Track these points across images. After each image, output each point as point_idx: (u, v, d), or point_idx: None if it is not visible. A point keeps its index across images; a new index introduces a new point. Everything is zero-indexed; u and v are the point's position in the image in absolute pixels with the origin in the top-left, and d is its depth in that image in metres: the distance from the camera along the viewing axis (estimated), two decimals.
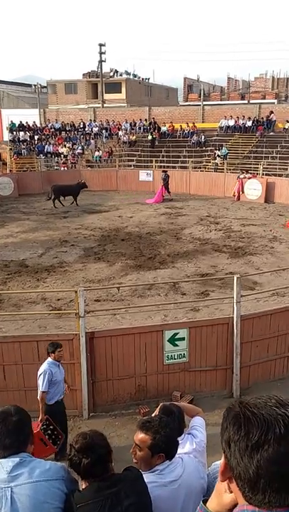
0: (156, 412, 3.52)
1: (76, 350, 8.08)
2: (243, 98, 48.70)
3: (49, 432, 6.38)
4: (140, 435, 2.95)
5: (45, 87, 51.55)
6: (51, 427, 6.50)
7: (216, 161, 31.07)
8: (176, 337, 8.42)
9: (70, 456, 2.66)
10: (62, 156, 34.65)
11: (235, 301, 8.49)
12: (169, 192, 27.66)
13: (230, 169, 29.33)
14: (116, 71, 50.65)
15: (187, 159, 31.73)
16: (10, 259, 16.36)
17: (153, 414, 3.48)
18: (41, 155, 35.02)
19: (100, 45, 45.18)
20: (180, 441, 3.29)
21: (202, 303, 11.78)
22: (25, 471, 2.49)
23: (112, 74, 50.30)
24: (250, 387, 8.83)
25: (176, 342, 8.45)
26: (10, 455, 2.53)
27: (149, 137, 35.57)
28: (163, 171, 28.38)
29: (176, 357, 8.51)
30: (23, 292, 13.01)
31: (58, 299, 12.53)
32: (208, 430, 3.74)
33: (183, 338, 8.46)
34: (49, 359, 7.01)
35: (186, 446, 3.39)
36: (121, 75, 50.67)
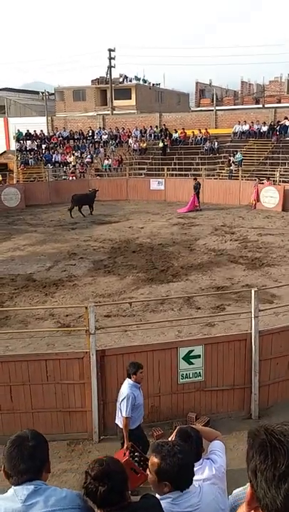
0: (173, 435, 3.40)
1: (86, 369, 7.78)
2: (257, 102, 48.47)
3: (136, 459, 6.15)
4: (152, 457, 2.92)
5: (52, 94, 51.31)
6: (136, 453, 6.26)
7: (231, 167, 30.63)
8: (191, 354, 8.12)
9: (85, 484, 2.53)
10: (70, 165, 34.42)
11: (253, 315, 8.21)
12: (198, 202, 26.94)
13: (245, 176, 28.81)
14: (125, 77, 50.36)
15: (200, 167, 31.26)
16: (17, 273, 16.11)
17: (170, 438, 3.34)
18: (49, 164, 34.89)
19: (110, 50, 44.77)
20: (198, 467, 3.26)
21: (218, 318, 11.49)
22: (41, 499, 2.42)
23: (121, 80, 50.05)
24: (269, 408, 8.50)
25: (192, 360, 8.14)
26: (24, 481, 2.46)
27: (160, 144, 35.34)
28: (194, 179, 27.77)
29: (191, 376, 8.20)
30: (30, 309, 12.72)
31: (67, 315, 12.24)
32: (226, 454, 3.62)
33: (198, 356, 8.16)
34: (130, 381, 6.59)
35: (205, 472, 3.32)
36: (130, 80, 50.28)
